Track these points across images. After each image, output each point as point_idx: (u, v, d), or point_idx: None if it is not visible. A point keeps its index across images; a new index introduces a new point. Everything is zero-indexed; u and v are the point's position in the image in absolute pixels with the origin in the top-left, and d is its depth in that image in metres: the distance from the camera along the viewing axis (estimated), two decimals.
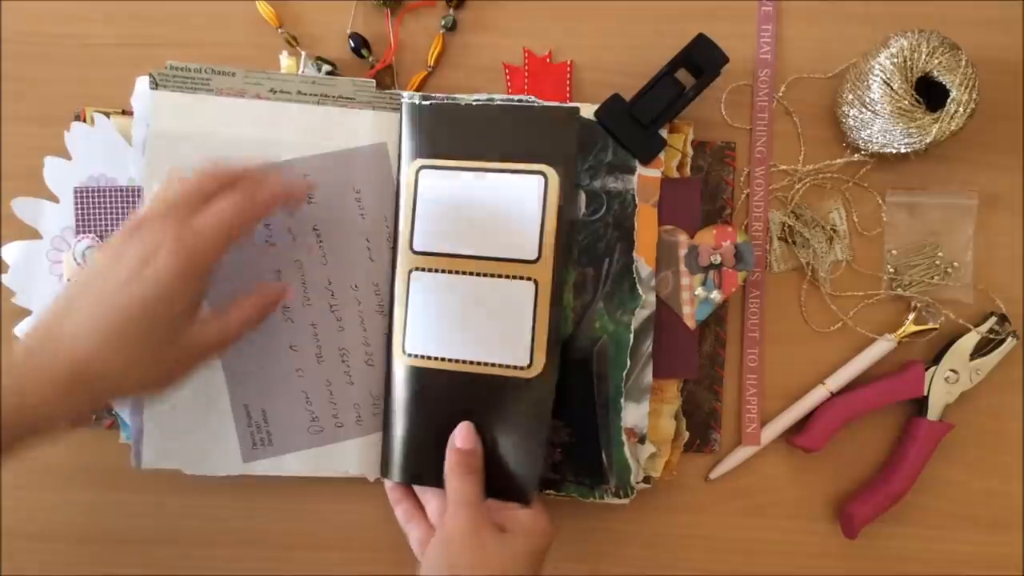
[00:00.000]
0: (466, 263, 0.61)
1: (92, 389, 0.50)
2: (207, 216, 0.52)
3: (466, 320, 0.60)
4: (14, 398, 0.48)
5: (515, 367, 0.60)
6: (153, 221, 0.52)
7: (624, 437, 0.60)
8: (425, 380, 0.61)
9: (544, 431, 0.59)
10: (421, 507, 0.61)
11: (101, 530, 0.65)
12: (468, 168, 0.61)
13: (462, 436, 0.59)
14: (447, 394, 0.60)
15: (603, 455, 0.61)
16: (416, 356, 0.61)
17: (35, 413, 0.49)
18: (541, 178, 0.60)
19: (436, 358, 0.61)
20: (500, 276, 0.60)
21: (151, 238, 0.51)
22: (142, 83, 0.62)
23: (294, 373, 0.62)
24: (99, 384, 0.50)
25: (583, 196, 0.61)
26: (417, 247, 0.61)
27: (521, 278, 0.60)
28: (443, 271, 0.61)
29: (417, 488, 0.62)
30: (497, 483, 0.59)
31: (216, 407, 0.62)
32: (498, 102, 0.61)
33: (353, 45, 0.65)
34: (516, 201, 0.60)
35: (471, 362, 0.60)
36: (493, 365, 0.60)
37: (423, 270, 0.61)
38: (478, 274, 0.60)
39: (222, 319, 0.55)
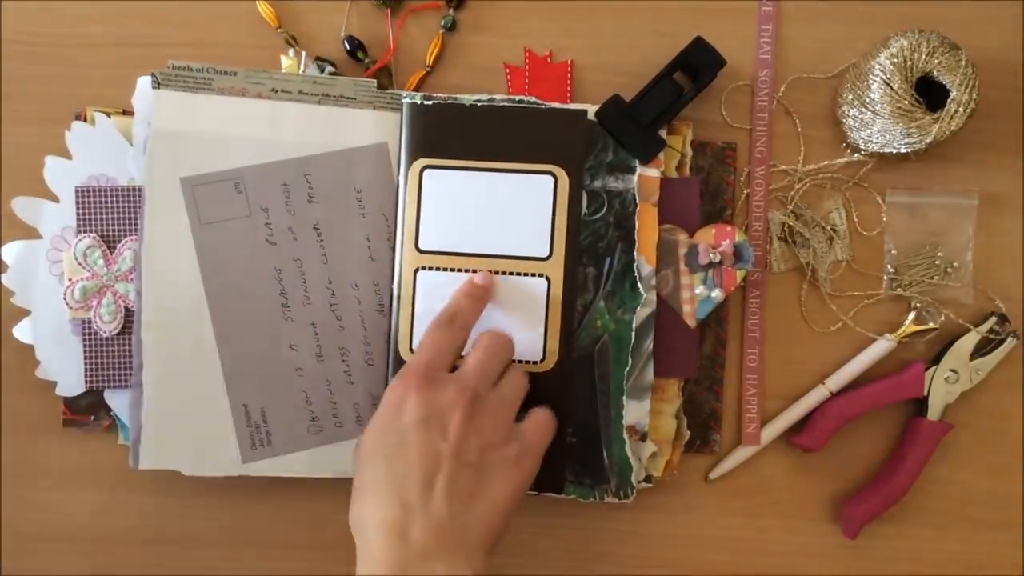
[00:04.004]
0: (475, 261, 0.61)
1: None
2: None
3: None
4: None
5: (529, 362, 0.60)
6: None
7: (625, 435, 0.61)
8: None
9: (565, 421, 0.60)
10: None
11: (101, 530, 0.65)
12: (474, 168, 0.61)
13: (481, 274, 0.60)
14: None
15: (604, 454, 0.61)
16: None
17: None
18: (551, 178, 0.60)
19: None
20: (511, 273, 0.61)
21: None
22: (143, 83, 0.62)
23: (294, 372, 0.62)
24: None
25: (584, 195, 0.61)
26: (423, 246, 0.61)
27: (533, 275, 0.60)
28: (451, 269, 0.61)
29: None
30: None
31: (215, 407, 0.62)
32: (500, 103, 0.61)
33: (348, 48, 0.65)
34: (526, 200, 0.61)
35: None
36: None
37: (430, 269, 0.61)
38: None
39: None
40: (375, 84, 0.62)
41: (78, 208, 0.63)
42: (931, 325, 0.64)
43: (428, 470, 0.51)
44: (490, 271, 0.61)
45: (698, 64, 0.61)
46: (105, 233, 0.63)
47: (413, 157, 0.61)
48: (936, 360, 0.64)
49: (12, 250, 0.64)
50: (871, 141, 0.62)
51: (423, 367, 0.54)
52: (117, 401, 0.63)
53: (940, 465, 0.64)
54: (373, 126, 0.62)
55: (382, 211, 0.62)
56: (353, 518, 0.52)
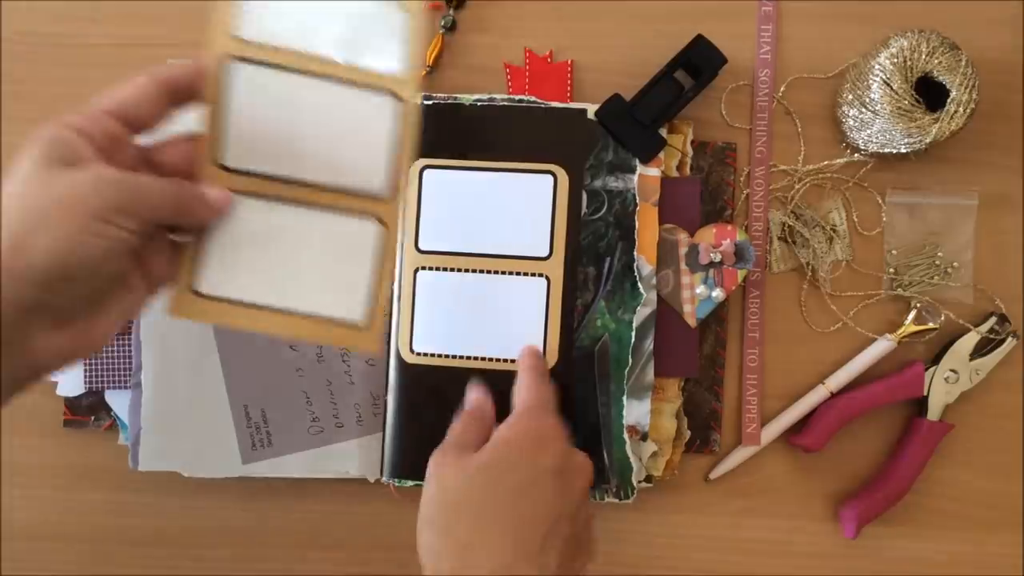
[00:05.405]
0: (475, 261, 0.61)
1: None
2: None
3: (477, 317, 0.61)
4: None
5: None
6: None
7: (626, 435, 0.61)
8: (435, 378, 0.61)
9: (565, 420, 0.59)
10: None
11: (101, 530, 0.65)
12: (474, 168, 0.61)
13: (530, 347, 0.59)
14: (460, 392, 0.60)
15: (604, 454, 0.61)
16: (425, 355, 0.61)
17: None
18: (551, 177, 0.60)
19: (446, 355, 0.61)
20: (511, 273, 0.61)
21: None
22: None
23: (294, 373, 0.62)
24: None
25: (584, 195, 0.61)
26: (423, 246, 0.61)
27: (533, 275, 0.60)
28: (451, 269, 0.61)
29: None
30: None
31: (215, 407, 0.62)
32: (500, 103, 0.61)
33: None
34: (526, 200, 0.61)
35: (483, 358, 0.60)
36: (506, 361, 0.60)
37: (429, 269, 0.61)
38: (487, 271, 0.61)
39: None
40: None
41: None
42: (931, 325, 0.64)
43: (552, 523, 0.48)
44: (536, 347, 0.60)
45: (699, 62, 0.61)
46: None
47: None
48: (936, 360, 0.64)
49: None
50: (871, 141, 0.62)
51: (554, 411, 0.54)
52: (118, 401, 0.63)
53: (940, 465, 0.64)
54: None
55: None
56: (425, 542, 0.49)
